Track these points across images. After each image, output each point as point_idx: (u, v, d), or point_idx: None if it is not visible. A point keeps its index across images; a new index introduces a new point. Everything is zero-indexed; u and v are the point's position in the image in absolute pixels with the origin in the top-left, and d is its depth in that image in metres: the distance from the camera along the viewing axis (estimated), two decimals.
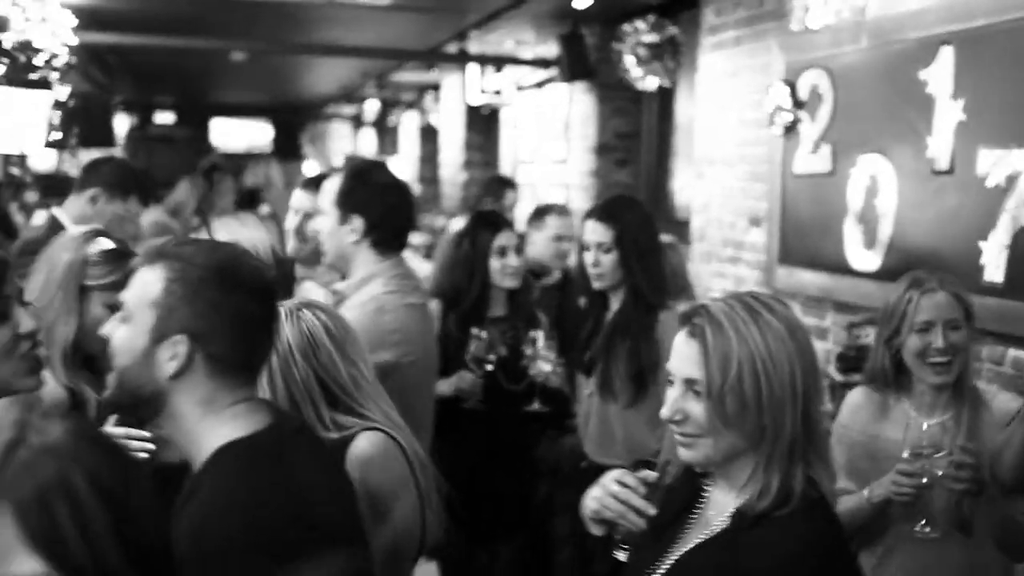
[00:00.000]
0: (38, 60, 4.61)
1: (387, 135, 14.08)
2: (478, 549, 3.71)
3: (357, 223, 2.90)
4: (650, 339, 3.31)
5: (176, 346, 1.62)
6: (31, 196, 7.96)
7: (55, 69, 4.91)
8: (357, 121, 15.01)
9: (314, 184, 3.51)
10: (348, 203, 2.90)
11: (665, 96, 6.81)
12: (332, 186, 2.95)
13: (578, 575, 3.72)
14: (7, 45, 4.40)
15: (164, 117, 15.93)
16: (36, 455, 1.07)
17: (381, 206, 2.92)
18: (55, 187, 9.24)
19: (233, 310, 1.65)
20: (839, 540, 1.68)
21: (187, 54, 9.39)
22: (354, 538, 1.75)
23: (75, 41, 5.49)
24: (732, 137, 5.37)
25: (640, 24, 6.18)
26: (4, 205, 7.98)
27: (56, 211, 3.89)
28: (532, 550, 3.89)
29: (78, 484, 1.05)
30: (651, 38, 6.17)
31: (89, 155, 10.33)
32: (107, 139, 10.75)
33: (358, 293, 2.89)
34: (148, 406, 1.67)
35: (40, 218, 7.75)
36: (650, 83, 6.25)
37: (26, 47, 4.52)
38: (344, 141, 16.21)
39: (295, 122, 17.24)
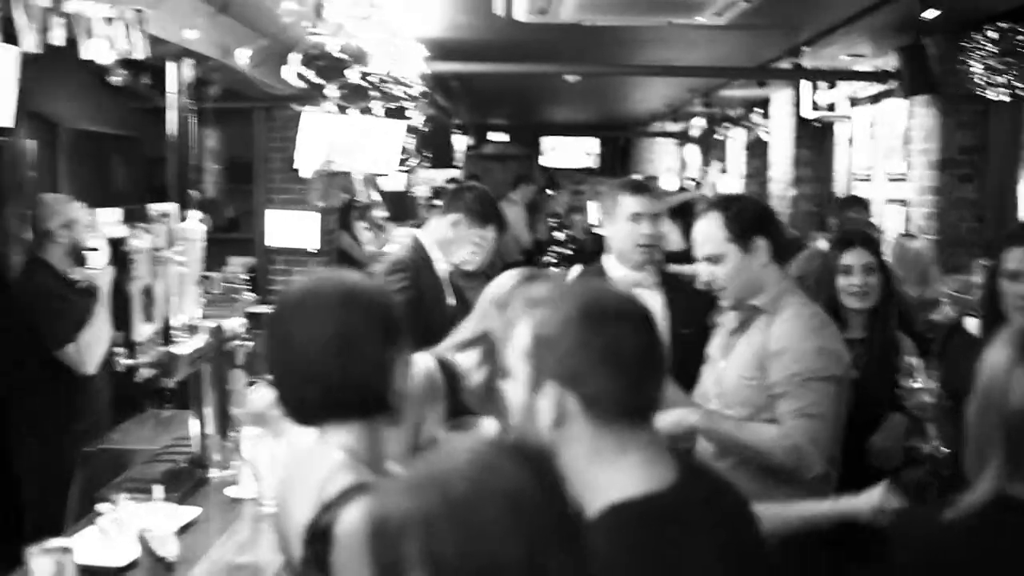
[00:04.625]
0: (396, 90, 4.99)
1: (712, 151, 14.01)
2: None
3: (761, 244, 2.89)
4: None
5: (549, 394, 1.58)
6: (378, 216, 8.56)
7: (411, 98, 5.30)
8: (682, 137, 15.03)
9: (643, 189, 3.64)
10: (748, 229, 2.88)
11: (1016, 108, 6.38)
12: (715, 224, 2.91)
13: None
14: (369, 78, 4.78)
15: (497, 137, 16.63)
16: (400, 520, 1.13)
17: (773, 222, 2.95)
18: (401, 206, 9.92)
19: (602, 348, 1.56)
20: None
21: (521, 77, 9.77)
22: None
23: (427, 71, 5.90)
24: None
25: (990, 32, 5.84)
26: (349, 223, 8.65)
27: (418, 232, 4.17)
28: None
29: (412, 558, 1.11)
30: (1001, 47, 5.81)
31: (428, 175, 11.06)
32: (449, 160, 11.46)
33: (784, 308, 2.89)
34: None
35: (397, 235, 8.34)
36: (1000, 94, 5.88)
37: (386, 79, 4.88)
38: (669, 157, 16.27)
39: (620, 139, 17.50)
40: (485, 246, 4.09)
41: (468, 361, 2.54)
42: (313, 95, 3.68)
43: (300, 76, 3.30)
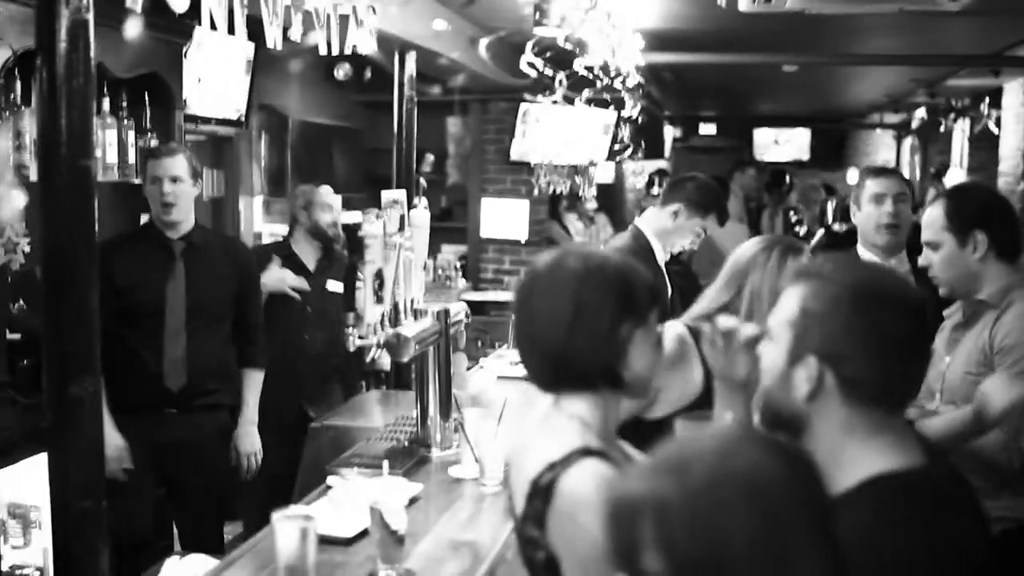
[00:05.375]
0: (615, 81, 5.00)
1: (932, 144, 13.42)
2: None
3: (981, 238, 2.85)
4: None
5: (808, 368, 1.60)
6: (590, 206, 8.62)
7: (627, 89, 5.30)
8: (901, 129, 14.46)
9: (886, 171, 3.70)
10: (968, 222, 2.86)
11: None
12: (939, 212, 2.90)
13: None
14: (591, 68, 4.80)
15: (706, 129, 16.40)
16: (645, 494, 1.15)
17: (1004, 217, 2.89)
18: (611, 197, 9.95)
19: (869, 332, 1.57)
20: None
21: (734, 67, 9.60)
22: None
23: (643, 62, 5.88)
24: None
25: None
26: (559, 213, 8.74)
27: (639, 222, 4.18)
28: None
29: (646, 541, 1.13)
30: None
31: (638, 167, 11.02)
32: (660, 152, 11.41)
33: (1014, 303, 2.83)
34: (789, 426, 1.65)
35: (601, 223, 8.38)
36: None
37: (604, 69, 4.90)
38: (886, 150, 15.68)
39: (835, 131, 16.97)
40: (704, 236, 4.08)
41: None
42: (542, 86, 3.75)
43: (531, 65, 3.38)
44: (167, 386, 3.92)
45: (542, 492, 1.78)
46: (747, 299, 2.64)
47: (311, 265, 5.02)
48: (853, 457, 1.58)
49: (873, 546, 1.46)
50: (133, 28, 4.18)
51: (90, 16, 2.43)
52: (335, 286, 5.02)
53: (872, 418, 1.60)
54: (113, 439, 3.73)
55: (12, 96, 3.81)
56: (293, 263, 4.96)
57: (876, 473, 1.56)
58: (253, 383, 4.24)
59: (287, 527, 2.29)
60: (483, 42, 3.60)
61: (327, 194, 5.04)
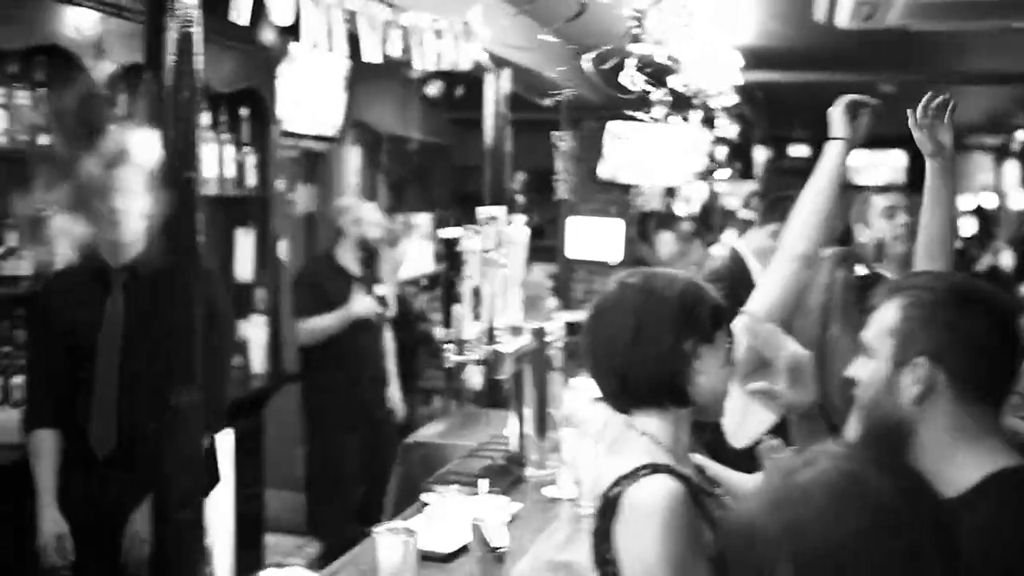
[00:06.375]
0: (711, 101, 4.94)
1: None
2: None
3: None
4: None
5: (916, 369, 1.62)
6: (686, 226, 8.52)
7: (723, 108, 5.23)
8: (1001, 151, 14.08)
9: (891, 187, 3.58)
10: None
11: None
12: None
13: None
14: (687, 87, 4.74)
15: (795, 150, 16.14)
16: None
17: None
18: (707, 217, 9.83)
19: (969, 331, 1.62)
20: None
21: (827, 86, 9.43)
22: None
23: (740, 81, 5.80)
24: None
25: None
26: (648, 233, 8.68)
27: (737, 243, 4.12)
28: None
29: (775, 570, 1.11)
30: None
31: (731, 188, 10.88)
32: (750, 172, 11.25)
33: None
34: (895, 436, 1.66)
35: (695, 244, 8.29)
36: None
37: (703, 88, 4.84)
38: (986, 173, 15.28)
39: None
40: None
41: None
42: (638, 104, 3.71)
43: (632, 82, 3.35)
44: (93, 449, 3.17)
45: (610, 506, 1.81)
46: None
47: (358, 272, 5.29)
48: (968, 457, 1.60)
49: (997, 543, 1.47)
50: (234, 43, 4.24)
51: (197, 30, 2.46)
52: (382, 289, 5.34)
53: (982, 416, 1.62)
54: (50, 521, 3.12)
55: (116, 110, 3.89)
56: (341, 273, 5.23)
57: (997, 470, 1.58)
58: None
59: (389, 541, 2.27)
60: (579, 60, 3.58)
61: (374, 212, 5.36)
